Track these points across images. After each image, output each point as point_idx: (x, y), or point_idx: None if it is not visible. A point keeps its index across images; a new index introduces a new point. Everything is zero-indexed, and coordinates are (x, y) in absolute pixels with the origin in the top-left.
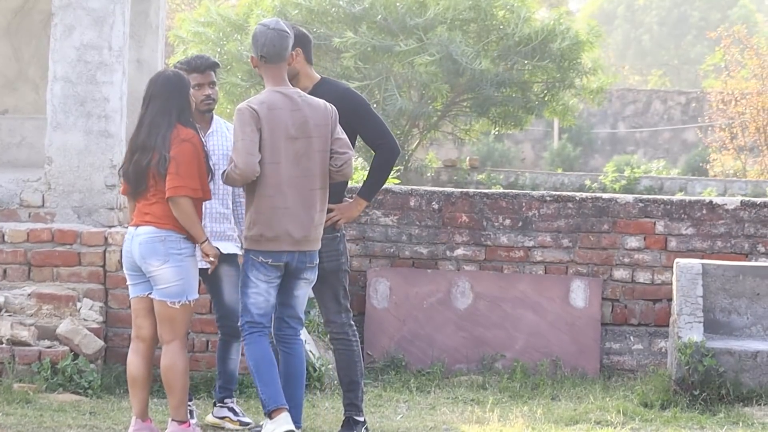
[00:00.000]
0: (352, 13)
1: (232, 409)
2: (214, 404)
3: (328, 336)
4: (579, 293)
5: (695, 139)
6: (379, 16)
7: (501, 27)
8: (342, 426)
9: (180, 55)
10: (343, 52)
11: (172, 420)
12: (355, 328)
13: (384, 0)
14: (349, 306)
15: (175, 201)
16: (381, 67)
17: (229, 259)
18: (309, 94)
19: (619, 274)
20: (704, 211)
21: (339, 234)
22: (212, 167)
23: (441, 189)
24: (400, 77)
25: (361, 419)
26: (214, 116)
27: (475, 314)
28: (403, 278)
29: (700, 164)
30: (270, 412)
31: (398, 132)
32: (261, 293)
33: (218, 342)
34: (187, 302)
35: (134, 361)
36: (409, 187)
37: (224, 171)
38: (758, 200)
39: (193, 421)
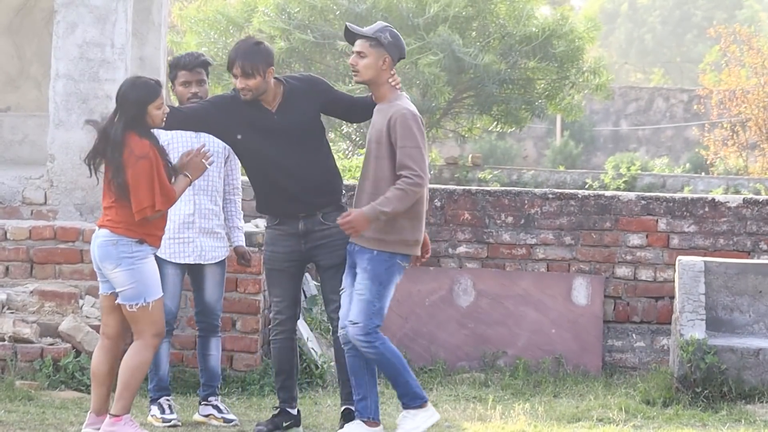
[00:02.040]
0: (354, 12)
1: (216, 407)
2: (200, 402)
3: (331, 331)
4: (581, 291)
5: (698, 136)
6: (381, 15)
7: (502, 25)
8: (341, 418)
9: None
10: (347, 51)
11: (108, 413)
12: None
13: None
14: None
15: (146, 219)
16: None
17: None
18: (285, 96)
19: (622, 271)
20: (706, 209)
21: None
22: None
23: (443, 186)
24: (402, 76)
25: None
26: None
27: (477, 312)
28: (405, 276)
29: (705, 162)
30: (421, 404)
31: None
32: (390, 297)
33: (197, 340)
34: (145, 304)
35: (97, 356)
36: None
37: (406, 181)
38: (761, 198)
39: (172, 417)
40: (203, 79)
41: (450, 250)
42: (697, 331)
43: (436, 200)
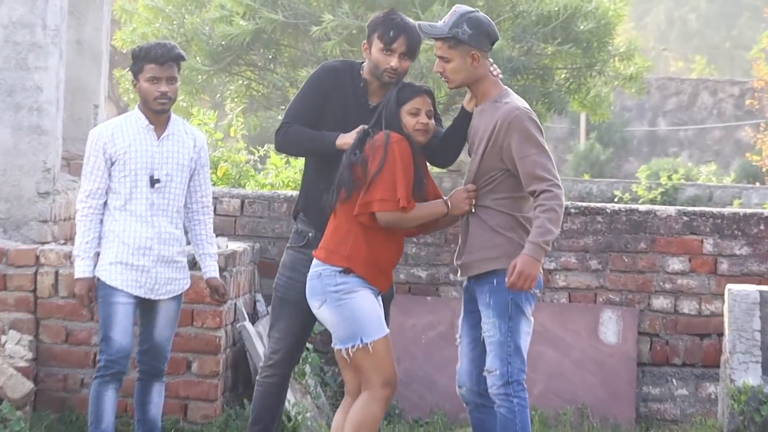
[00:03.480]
0: None
1: None
2: None
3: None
4: (610, 326)
5: (751, 138)
6: None
7: (514, 2)
8: None
9: (129, 34)
10: (327, 37)
11: None
12: None
13: None
14: None
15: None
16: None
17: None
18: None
19: (659, 303)
20: (762, 227)
21: None
22: (163, 177)
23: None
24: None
25: None
26: (172, 115)
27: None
28: (398, 307)
29: (760, 170)
30: None
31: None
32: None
33: (137, 384)
34: (362, 345)
35: (337, 416)
36: None
37: (546, 197)
38: None
39: None
40: (175, 77)
41: (451, 276)
42: (751, 376)
43: None
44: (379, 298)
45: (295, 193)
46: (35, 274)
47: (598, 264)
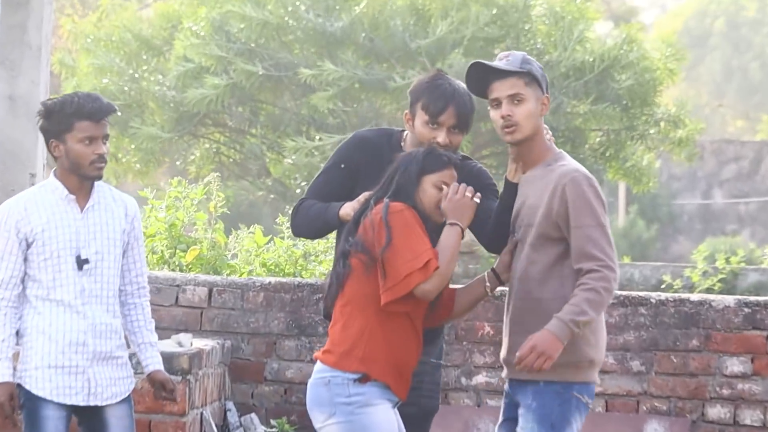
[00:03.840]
0: (325, 32)
1: None
2: None
3: None
4: None
5: None
6: (364, 36)
7: (541, 50)
8: None
9: (73, 90)
10: (317, 88)
11: None
12: None
13: (373, 15)
14: None
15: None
16: (366, 109)
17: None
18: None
19: (716, 412)
20: None
21: (442, 364)
22: (92, 256)
23: (451, 285)
24: (396, 124)
25: None
26: (94, 182)
27: None
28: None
29: None
30: None
31: None
32: None
33: None
34: None
35: None
36: None
37: (593, 277)
38: None
39: None
40: (108, 135)
41: (464, 380)
42: None
43: None
44: (397, 412)
45: (276, 279)
46: None
47: (642, 365)
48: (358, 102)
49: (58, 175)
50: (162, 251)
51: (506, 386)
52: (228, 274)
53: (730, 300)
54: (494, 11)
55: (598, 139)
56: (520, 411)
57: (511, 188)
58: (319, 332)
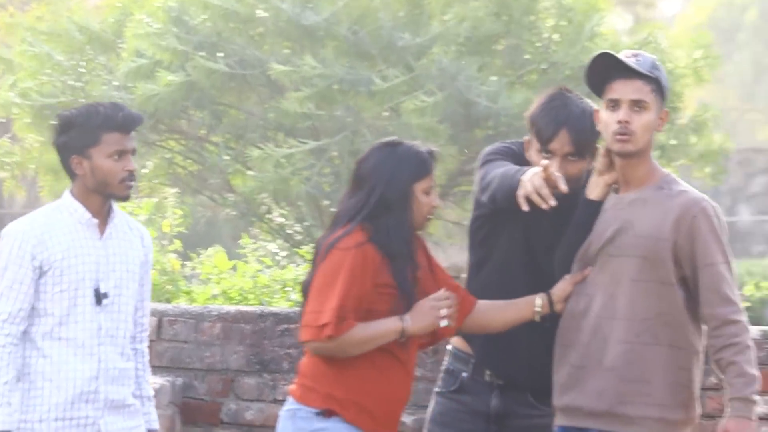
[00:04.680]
0: (300, 25)
1: None
2: None
3: None
4: None
5: None
6: (347, 30)
7: (546, 48)
8: None
9: (9, 89)
10: (288, 89)
11: None
12: None
13: (357, 8)
14: None
15: (306, 346)
16: (345, 113)
17: None
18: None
19: None
20: None
21: None
22: (111, 290)
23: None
24: (376, 130)
25: None
26: (113, 205)
27: None
28: None
29: None
30: None
31: None
32: None
33: None
34: None
35: None
36: None
37: (736, 330)
38: None
39: None
40: (136, 148)
41: None
42: None
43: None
44: None
45: (235, 308)
46: None
47: None
48: (335, 105)
49: (77, 195)
50: None
51: (568, 424)
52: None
53: (755, 332)
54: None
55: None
56: None
57: (592, 207)
58: (284, 368)
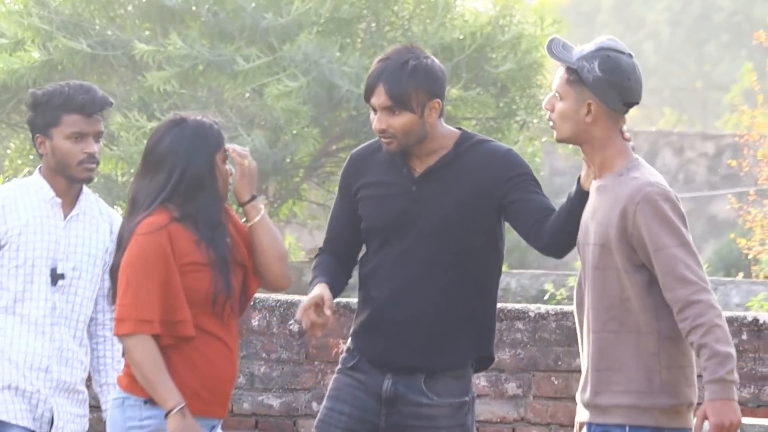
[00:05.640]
0: (163, 6)
1: None
2: None
3: None
4: None
5: (733, 213)
6: (207, 12)
7: (406, 29)
8: None
9: None
10: (152, 67)
11: None
12: None
13: None
14: None
15: (122, 341)
16: (208, 93)
17: None
18: (444, 162)
19: None
20: (744, 336)
21: (471, 395)
22: (69, 272)
23: (301, 297)
24: (238, 111)
25: None
26: (84, 188)
27: None
28: None
29: (744, 256)
30: None
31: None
32: None
33: None
34: None
35: None
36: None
37: (698, 310)
38: None
39: None
40: (102, 132)
41: (314, 405)
42: None
43: (292, 321)
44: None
45: None
46: None
47: (518, 388)
48: (198, 85)
49: (44, 174)
50: None
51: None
52: None
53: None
54: None
55: (473, 128)
56: None
57: (581, 194)
58: None
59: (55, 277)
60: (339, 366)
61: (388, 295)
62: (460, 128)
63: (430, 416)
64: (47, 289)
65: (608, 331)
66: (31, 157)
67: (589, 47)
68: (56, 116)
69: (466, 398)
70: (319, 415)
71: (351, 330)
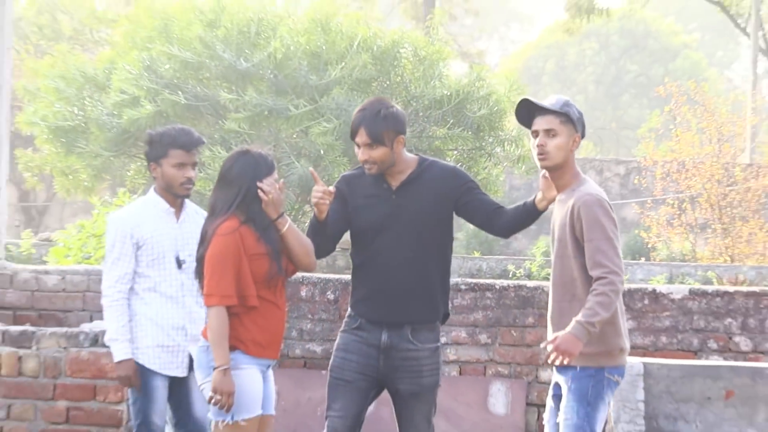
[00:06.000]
0: (236, 70)
1: None
2: None
3: None
4: (499, 398)
5: (637, 216)
6: (270, 74)
7: (407, 86)
8: None
9: (31, 115)
10: (232, 112)
11: None
12: None
13: (277, 54)
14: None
15: (208, 312)
16: (269, 132)
17: None
18: (412, 177)
19: (547, 375)
20: (646, 301)
21: (440, 344)
22: (187, 258)
23: (337, 276)
24: (290, 145)
25: None
26: (185, 200)
27: (378, 423)
28: (294, 381)
29: (645, 246)
30: None
31: (289, 209)
32: (603, 420)
33: None
34: (232, 423)
35: None
36: (299, 274)
37: (602, 283)
38: (710, 288)
39: None
40: (197, 162)
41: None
42: None
43: (329, 292)
44: (269, 373)
45: None
46: None
47: (488, 338)
48: (259, 126)
49: (158, 191)
50: None
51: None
52: None
53: None
54: (371, 54)
55: (454, 157)
56: (563, 391)
57: (533, 207)
58: None
59: (179, 262)
60: (343, 328)
61: (382, 273)
62: (417, 154)
63: (416, 357)
64: (175, 271)
65: (564, 301)
66: (144, 180)
67: (559, 99)
68: (165, 150)
69: (438, 344)
70: (332, 362)
71: (350, 302)
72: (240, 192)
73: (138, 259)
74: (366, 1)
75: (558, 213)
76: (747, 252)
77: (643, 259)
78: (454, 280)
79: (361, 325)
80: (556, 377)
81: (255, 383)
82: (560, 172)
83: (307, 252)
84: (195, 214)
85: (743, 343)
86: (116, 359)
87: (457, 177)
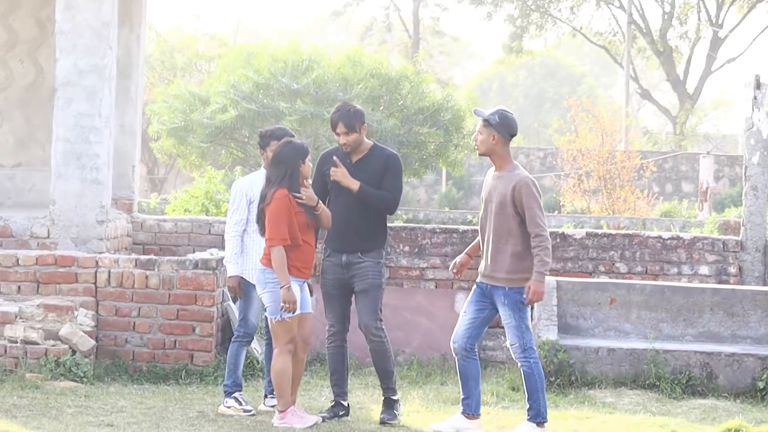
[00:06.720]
0: (291, 88)
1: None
2: (265, 396)
3: (366, 337)
4: (461, 303)
5: (552, 184)
6: (313, 91)
7: (403, 101)
8: (383, 405)
9: (157, 125)
10: (287, 116)
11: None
12: (385, 330)
13: (318, 79)
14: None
15: (270, 250)
16: (311, 129)
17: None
18: (365, 156)
19: None
20: (558, 240)
21: (382, 260)
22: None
23: None
24: (325, 138)
25: (396, 398)
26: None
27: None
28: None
29: (558, 204)
30: (541, 423)
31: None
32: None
33: (265, 347)
34: (281, 319)
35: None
36: None
37: (540, 240)
38: (599, 231)
39: (249, 408)
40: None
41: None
42: (551, 334)
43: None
44: (305, 286)
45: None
46: (95, 272)
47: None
48: (305, 126)
49: (265, 167)
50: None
51: (478, 280)
52: None
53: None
54: (380, 79)
55: (432, 147)
56: (498, 305)
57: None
58: None
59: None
60: (323, 257)
61: (343, 219)
62: (374, 142)
63: (365, 267)
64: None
65: (501, 242)
66: (230, 161)
67: (494, 110)
68: (269, 141)
69: (381, 260)
70: (321, 281)
71: (324, 239)
72: (287, 170)
73: (249, 210)
74: (379, 45)
75: (497, 184)
76: (623, 208)
77: (556, 212)
78: (431, 225)
79: (330, 254)
80: (482, 288)
81: (296, 293)
82: (493, 158)
83: (329, 219)
84: None
85: (622, 267)
86: (228, 275)
87: (387, 160)
